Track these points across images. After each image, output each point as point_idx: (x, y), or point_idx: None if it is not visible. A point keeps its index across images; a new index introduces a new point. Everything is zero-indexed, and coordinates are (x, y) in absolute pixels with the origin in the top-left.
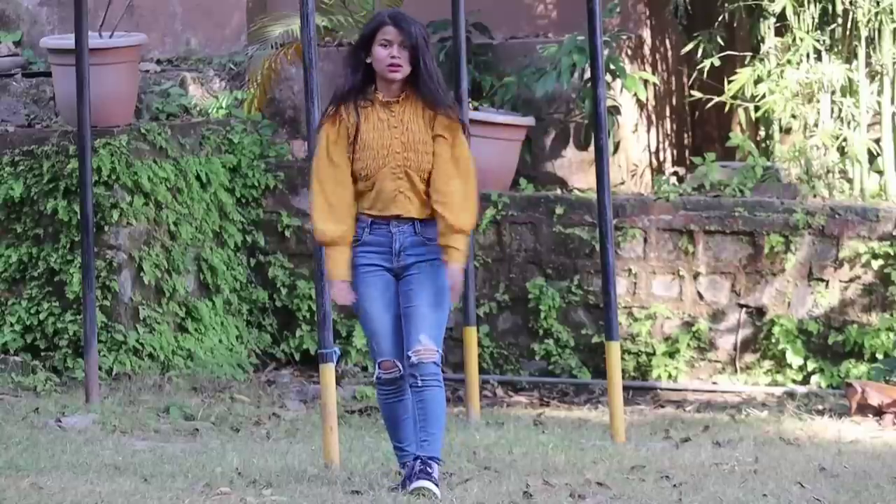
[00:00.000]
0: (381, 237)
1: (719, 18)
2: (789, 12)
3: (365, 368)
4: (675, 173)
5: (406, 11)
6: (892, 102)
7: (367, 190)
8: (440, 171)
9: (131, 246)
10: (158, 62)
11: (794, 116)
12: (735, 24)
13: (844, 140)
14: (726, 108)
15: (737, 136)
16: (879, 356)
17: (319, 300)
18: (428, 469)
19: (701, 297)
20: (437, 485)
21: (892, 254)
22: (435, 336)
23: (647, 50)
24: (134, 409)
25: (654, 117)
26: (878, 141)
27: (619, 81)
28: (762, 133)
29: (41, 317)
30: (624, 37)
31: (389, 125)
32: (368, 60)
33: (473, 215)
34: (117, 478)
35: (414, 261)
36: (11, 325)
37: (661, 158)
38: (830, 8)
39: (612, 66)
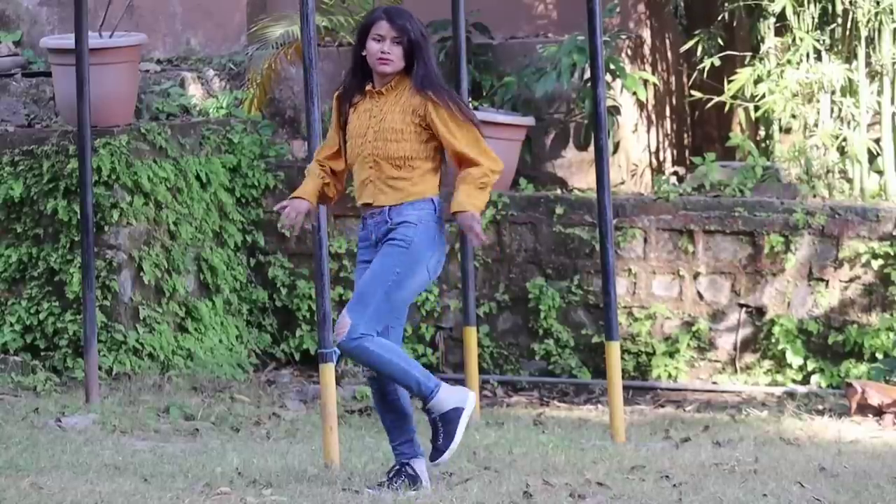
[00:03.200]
0: (366, 230)
1: (719, 18)
2: (789, 12)
3: None
4: (675, 173)
5: (405, 9)
6: (892, 102)
7: (353, 179)
8: (455, 160)
9: (131, 246)
10: (158, 62)
11: (794, 116)
12: (735, 24)
13: (844, 140)
14: (726, 108)
15: (737, 136)
16: (879, 356)
17: (319, 300)
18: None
19: (701, 297)
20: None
21: (892, 254)
22: (355, 308)
23: (647, 50)
24: (134, 409)
25: (654, 117)
26: (878, 141)
27: (619, 81)
28: (762, 133)
29: (41, 317)
30: (624, 37)
31: (371, 115)
32: (364, 54)
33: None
34: (117, 478)
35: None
36: (11, 325)
37: (661, 158)
38: (830, 8)
39: (612, 66)
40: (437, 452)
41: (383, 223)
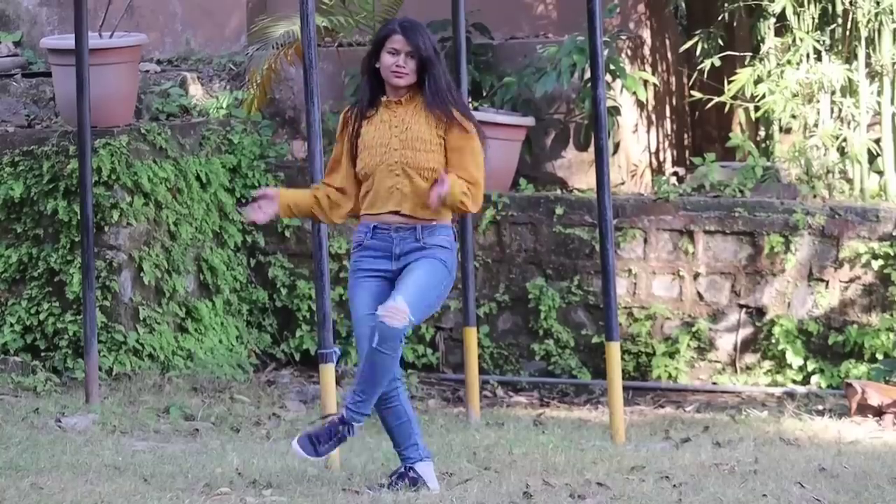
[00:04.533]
0: (383, 241)
1: (719, 18)
2: (789, 12)
3: None
4: (675, 173)
5: (410, 16)
6: (892, 102)
7: (368, 190)
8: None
9: (131, 246)
10: (158, 62)
11: (794, 116)
12: (735, 24)
13: (844, 140)
14: (726, 108)
15: (737, 136)
16: (879, 356)
17: (319, 300)
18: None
19: (701, 297)
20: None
21: (892, 254)
22: (412, 302)
23: (647, 50)
24: (134, 410)
25: (654, 117)
26: (878, 141)
27: (619, 81)
28: (762, 133)
29: (41, 317)
30: (624, 37)
31: (391, 125)
32: (377, 66)
33: (474, 196)
34: (117, 478)
35: (411, 260)
36: (11, 325)
37: (661, 158)
38: (830, 8)
39: (612, 67)
40: (311, 447)
41: (413, 240)
